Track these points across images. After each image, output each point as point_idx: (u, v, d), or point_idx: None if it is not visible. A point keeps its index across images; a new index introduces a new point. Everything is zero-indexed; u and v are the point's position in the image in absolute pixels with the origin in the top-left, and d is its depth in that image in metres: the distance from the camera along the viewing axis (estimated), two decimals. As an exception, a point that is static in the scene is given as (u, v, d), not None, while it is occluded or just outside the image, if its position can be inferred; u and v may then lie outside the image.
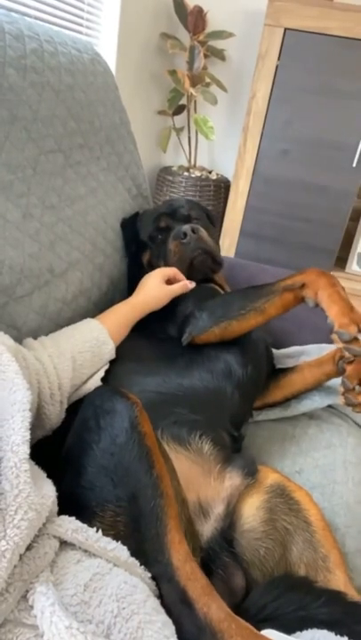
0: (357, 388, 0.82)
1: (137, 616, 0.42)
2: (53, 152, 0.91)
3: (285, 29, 1.96)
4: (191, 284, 1.01)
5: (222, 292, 1.11)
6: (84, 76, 1.02)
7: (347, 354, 0.79)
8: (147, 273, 1.03)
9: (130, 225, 1.16)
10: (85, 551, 0.48)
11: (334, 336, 0.78)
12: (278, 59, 2.01)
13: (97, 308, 1.01)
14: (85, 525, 0.50)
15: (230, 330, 0.90)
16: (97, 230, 1.03)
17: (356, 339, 0.76)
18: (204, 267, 1.09)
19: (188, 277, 1.04)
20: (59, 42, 0.98)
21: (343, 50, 1.93)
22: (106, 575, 0.45)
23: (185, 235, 1.05)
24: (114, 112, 1.15)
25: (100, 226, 1.05)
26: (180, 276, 1.03)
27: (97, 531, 0.51)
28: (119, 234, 1.13)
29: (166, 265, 1.08)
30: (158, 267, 1.08)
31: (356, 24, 1.87)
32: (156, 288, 0.98)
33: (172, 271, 1.02)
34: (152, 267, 1.10)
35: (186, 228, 1.05)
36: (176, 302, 1.00)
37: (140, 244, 1.14)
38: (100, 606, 0.41)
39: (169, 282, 1.00)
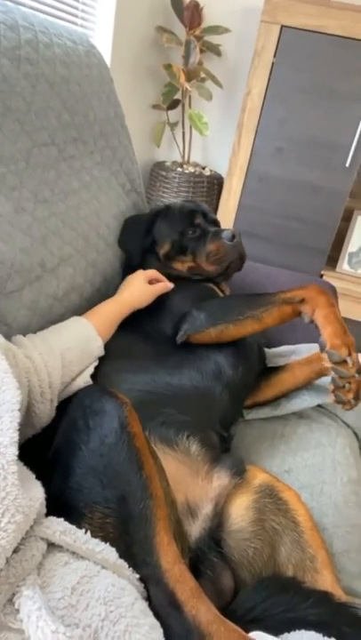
0: (347, 385, 0.82)
1: (124, 619, 0.42)
2: (47, 145, 0.89)
3: (282, 26, 1.95)
4: (170, 285, 1.02)
5: (221, 294, 1.11)
6: (79, 68, 1.01)
7: (333, 373, 0.81)
8: (162, 266, 1.08)
9: (138, 220, 1.16)
10: (73, 553, 0.47)
11: (324, 355, 0.81)
12: (274, 56, 2.00)
13: (89, 305, 0.99)
14: (74, 527, 0.50)
15: (226, 333, 0.90)
16: (90, 225, 1.02)
17: (344, 361, 0.79)
18: (234, 272, 1.11)
19: (214, 278, 1.08)
20: (54, 33, 0.96)
21: (340, 49, 1.93)
22: (94, 578, 0.44)
23: (233, 237, 1.05)
24: (109, 105, 1.14)
25: (94, 221, 1.04)
26: (161, 277, 1.04)
27: (85, 532, 0.50)
28: (113, 230, 1.12)
29: (196, 260, 1.09)
30: (179, 260, 1.10)
31: (354, 23, 1.87)
32: (140, 287, 0.99)
33: (152, 273, 1.04)
34: (169, 259, 1.11)
35: (234, 231, 1.06)
36: (174, 300, 0.99)
37: (161, 237, 1.12)
38: (88, 610, 0.41)
39: (150, 283, 1.02)
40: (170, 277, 1.06)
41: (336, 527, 0.81)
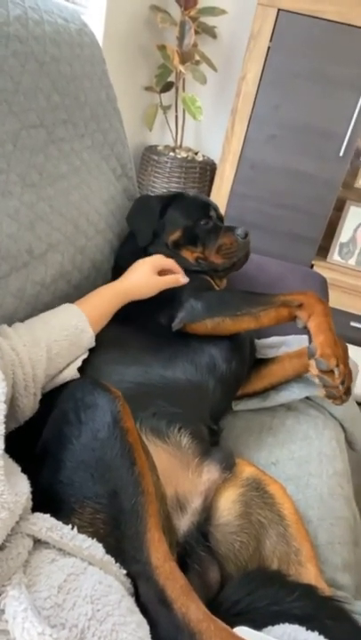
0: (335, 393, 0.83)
1: (111, 618, 0.41)
2: (35, 127, 0.86)
3: (279, 10, 1.91)
4: (184, 279, 0.99)
5: (217, 288, 1.11)
6: (70, 47, 0.97)
7: (318, 381, 0.82)
8: (168, 252, 1.05)
9: (153, 201, 1.14)
10: (60, 550, 0.47)
11: (312, 362, 0.82)
12: (270, 40, 1.96)
13: (78, 292, 0.97)
14: (60, 523, 0.49)
15: (222, 327, 0.90)
16: (79, 211, 1.00)
17: (331, 371, 0.80)
18: (235, 270, 1.13)
19: (217, 272, 1.10)
20: (44, 9, 0.92)
21: (337, 35, 1.90)
22: (80, 575, 0.44)
23: (246, 235, 1.09)
24: (100, 87, 1.11)
25: (83, 207, 1.02)
26: (177, 267, 1.01)
27: (72, 528, 0.49)
28: (103, 216, 1.09)
29: (205, 252, 1.09)
30: (188, 249, 1.10)
31: (351, 9, 1.84)
32: (147, 277, 0.94)
33: (167, 262, 0.99)
34: (178, 247, 1.10)
35: (245, 229, 1.09)
36: (171, 288, 0.98)
37: (173, 222, 1.11)
38: (74, 609, 0.40)
39: (160, 273, 0.97)
40: None
41: (321, 519, 0.82)
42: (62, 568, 0.43)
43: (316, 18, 1.89)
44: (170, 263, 1.00)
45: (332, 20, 1.88)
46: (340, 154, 2.05)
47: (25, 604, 0.38)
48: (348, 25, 1.87)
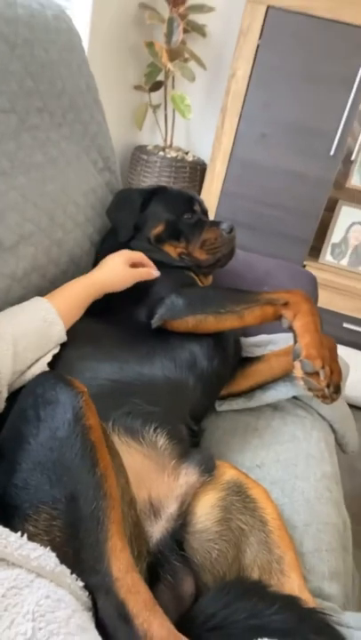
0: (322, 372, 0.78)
1: (56, 637, 0.36)
2: (5, 112, 0.82)
3: (268, 7, 1.89)
4: (156, 273, 0.96)
5: (200, 284, 1.07)
6: (45, 32, 0.94)
7: (302, 383, 0.78)
8: (149, 247, 1.04)
9: (134, 194, 1.10)
10: (3, 560, 0.42)
11: (297, 364, 0.79)
12: (260, 37, 1.94)
13: (54, 287, 0.92)
14: (6, 530, 0.44)
15: (205, 325, 0.86)
16: (56, 203, 0.95)
17: (317, 373, 0.77)
18: (220, 266, 1.10)
19: (201, 268, 1.07)
20: (18, -8, 0.89)
21: (326, 32, 1.87)
22: (24, 589, 0.39)
23: (231, 230, 1.05)
24: (80, 76, 1.07)
25: (60, 198, 0.97)
26: (148, 261, 0.98)
27: (22, 535, 0.44)
28: (82, 208, 1.05)
29: (189, 247, 1.06)
30: (171, 244, 1.07)
31: (341, 5, 1.82)
32: (119, 268, 0.92)
33: (138, 255, 0.97)
34: (160, 242, 1.07)
35: (230, 224, 1.06)
36: (151, 283, 0.94)
37: (155, 216, 1.08)
38: (12, 628, 0.35)
39: (133, 266, 0.94)
40: (152, 261, 1.00)
41: (307, 525, 0.77)
42: (2, 581, 0.38)
43: (306, 15, 1.87)
44: (140, 256, 0.97)
45: (321, 16, 1.86)
46: (331, 152, 2.03)
47: None
48: (338, 22, 1.84)
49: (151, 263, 0.98)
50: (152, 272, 0.95)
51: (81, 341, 0.82)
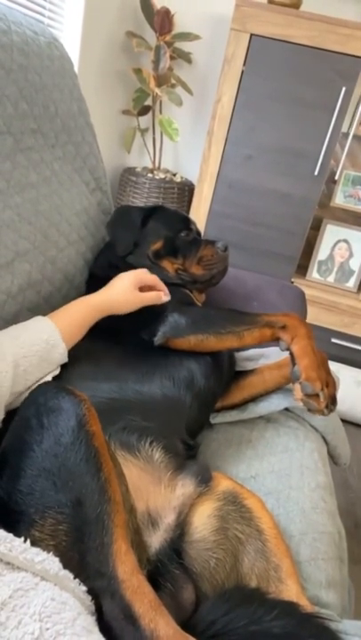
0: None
1: (63, 637, 0.37)
2: (1, 133, 0.84)
3: (251, 35, 1.97)
4: (166, 297, 0.96)
5: (196, 301, 1.10)
6: (39, 58, 0.97)
7: (302, 405, 0.81)
8: (149, 263, 1.06)
9: (134, 212, 1.14)
10: (8, 563, 0.42)
11: (297, 386, 0.81)
12: (244, 64, 2.01)
13: (47, 304, 0.94)
14: (10, 535, 0.44)
15: (205, 344, 0.88)
16: (50, 221, 0.97)
17: (316, 395, 0.79)
18: (214, 284, 1.14)
19: (197, 285, 1.10)
20: (12, 21, 0.92)
21: (308, 59, 1.95)
22: (30, 591, 0.39)
23: (226, 248, 1.11)
24: (71, 100, 1.10)
25: (54, 217, 1.00)
26: (160, 285, 0.97)
27: (25, 541, 0.45)
28: (75, 227, 1.07)
29: (185, 263, 1.10)
30: (168, 260, 1.10)
31: (321, 33, 1.90)
32: (127, 292, 0.90)
33: (150, 278, 0.95)
34: (158, 258, 1.10)
35: (225, 243, 1.12)
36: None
37: (154, 233, 1.11)
38: (19, 627, 0.36)
39: (142, 289, 0.93)
40: None
41: (303, 534, 0.78)
42: (9, 583, 0.39)
43: (288, 42, 1.94)
44: (153, 279, 0.96)
45: (303, 44, 1.93)
46: (315, 173, 2.09)
47: None
48: (319, 49, 1.92)
49: (163, 286, 0.97)
50: (161, 296, 0.95)
51: (80, 361, 0.82)
